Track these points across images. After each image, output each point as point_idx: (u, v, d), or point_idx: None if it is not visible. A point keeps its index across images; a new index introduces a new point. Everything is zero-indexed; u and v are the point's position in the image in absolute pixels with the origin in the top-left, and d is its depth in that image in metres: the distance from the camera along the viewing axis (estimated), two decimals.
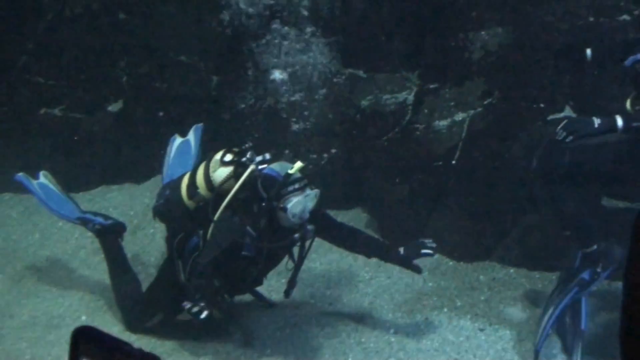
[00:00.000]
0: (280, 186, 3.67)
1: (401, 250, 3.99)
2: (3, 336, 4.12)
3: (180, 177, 4.00)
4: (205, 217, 3.83)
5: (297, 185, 3.69)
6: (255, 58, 5.06)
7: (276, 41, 5.00)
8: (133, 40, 5.35)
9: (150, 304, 4.13)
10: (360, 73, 5.06)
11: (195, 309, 3.63)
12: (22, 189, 5.39)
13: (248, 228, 3.72)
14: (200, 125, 4.66)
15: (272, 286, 4.51)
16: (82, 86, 5.39)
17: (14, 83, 5.34)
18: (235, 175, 3.77)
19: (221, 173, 3.81)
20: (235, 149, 3.87)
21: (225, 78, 5.33)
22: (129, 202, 5.32)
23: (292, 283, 4.04)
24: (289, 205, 3.64)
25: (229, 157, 3.82)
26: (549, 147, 3.94)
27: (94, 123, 5.45)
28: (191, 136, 4.61)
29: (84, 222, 4.43)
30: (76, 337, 1.06)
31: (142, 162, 5.52)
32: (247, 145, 3.88)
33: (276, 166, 3.79)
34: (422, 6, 4.79)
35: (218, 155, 3.87)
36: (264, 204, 3.69)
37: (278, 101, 5.07)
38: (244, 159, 3.78)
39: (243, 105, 5.20)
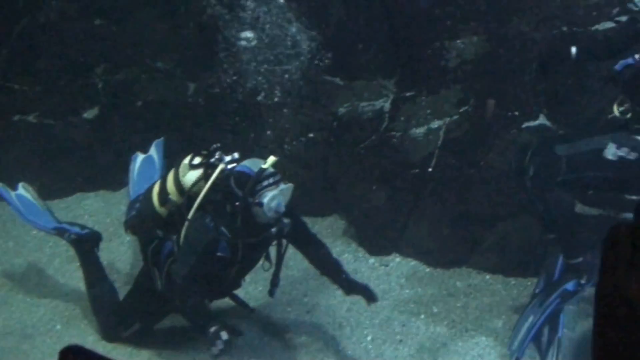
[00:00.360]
0: (255, 182, 3.66)
1: (343, 275, 4.04)
2: None
3: (150, 188, 4.00)
4: (179, 221, 3.83)
5: (271, 180, 3.69)
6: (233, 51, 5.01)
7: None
8: (109, 47, 5.32)
9: (127, 313, 4.10)
10: (337, 80, 5.08)
11: (214, 337, 3.61)
12: None
13: (222, 228, 3.70)
14: (161, 139, 4.71)
15: (250, 293, 4.51)
16: (57, 92, 5.34)
17: None
18: (205, 177, 3.78)
19: (191, 176, 3.82)
20: (204, 152, 3.88)
21: (201, 84, 5.32)
22: (104, 210, 5.28)
23: (274, 282, 4.03)
24: (265, 200, 3.64)
25: (197, 160, 3.84)
26: (543, 153, 3.97)
27: (69, 130, 5.40)
28: (153, 151, 4.64)
29: (60, 232, 4.39)
30: (64, 356, 1.04)
31: (118, 169, 5.46)
32: (215, 146, 3.88)
33: (247, 163, 3.79)
34: (399, 15, 4.82)
35: (186, 160, 3.88)
36: (238, 203, 3.68)
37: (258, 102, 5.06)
38: (212, 160, 3.79)
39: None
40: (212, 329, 3.64)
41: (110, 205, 5.29)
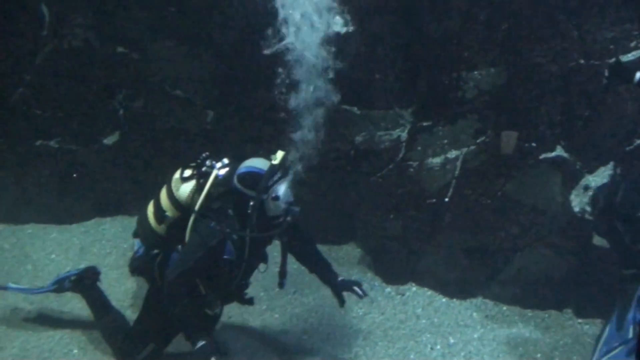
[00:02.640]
0: (267, 179, 3.71)
1: (339, 278, 4.09)
2: None
3: (144, 212, 4.02)
4: (181, 232, 3.85)
5: (279, 173, 3.76)
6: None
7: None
8: (130, 74, 5.39)
9: (140, 335, 4.11)
10: (355, 110, 5.12)
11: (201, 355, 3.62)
12: (14, 220, 5.43)
13: (227, 230, 3.73)
14: None
15: (266, 320, 4.51)
16: (79, 118, 5.42)
17: (11, 114, 5.35)
18: (198, 187, 3.83)
19: (185, 189, 3.87)
20: (192, 164, 3.93)
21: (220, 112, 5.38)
22: (122, 235, 5.31)
23: (283, 273, 4.03)
24: (280, 193, 3.72)
25: (188, 173, 3.89)
26: (629, 188, 3.99)
27: (89, 155, 5.46)
28: None
29: (60, 282, 4.42)
30: None
31: (136, 195, 5.53)
32: (204, 155, 3.93)
33: (250, 163, 3.83)
34: (416, 46, 4.87)
35: (177, 174, 3.93)
36: (252, 203, 3.72)
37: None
38: (203, 169, 3.84)
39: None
40: (200, 344, 3.62)
41: (128, 231, 5.29)
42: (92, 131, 5.46)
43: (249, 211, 3.73)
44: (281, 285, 4.04)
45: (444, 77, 4.78)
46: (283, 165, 3.78)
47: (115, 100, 5.43)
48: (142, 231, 4.01)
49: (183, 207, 3.88)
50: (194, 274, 3.76)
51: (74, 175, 5.41)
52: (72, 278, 4.38)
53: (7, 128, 5.37)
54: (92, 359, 4.21)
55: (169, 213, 3.90)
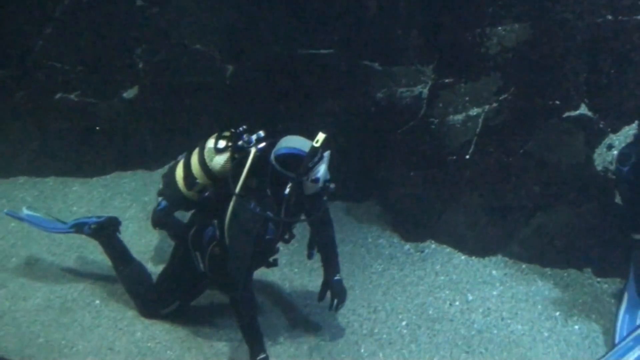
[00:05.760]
0: (308, 161, 3.68)
1: (336, 277, 4.05)
2: (16, 319, 4.15)
3: (171, 174, 4.00)
4: (214, 204, 3.85)
5: (318, 155, 3.71)
6: None
7: None
8: (150, 28, 5.35)
9: (166, 292, 4.16)
10: (376, 66, 5.07)
11: None
12: (35, 173, 5.47)
13: (268, 213, 3.73)
14: None
15: (285, 274, 4.56)
16: (99, 72, 5.40)
17: (31, 67, 5.34)
18: (232, 159, 3.80)
19: (219, 160, 3.85)
20: (226, 134, 3.90)
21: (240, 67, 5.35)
22: (142, 189, 5.35)
23: (312, 244, 4.04)
24: (320, 175, 3.69)
25: (222, 144, 3.86)
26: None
27: (109, 109, 5.46)
28: None
29: (79, 227, 4.41)
30: None
31: (156, 149, 5.54)
32: (241, 128, 3.87)
33: (290, 142, 3.77)
34: (439, 1, 4.79)
35: (210, 143, 3.90)
36: (290, 184, 3.69)
37: None
38: (240, 143, 3.81)
39: None
40: (261, 357, 3.74)
41: (148, 185, 5.35)
42: (112, 85, 5.44)
43: (287, 191, 3.70)
44: (310, 256, 4.05)
45: (467, 32, 4.71)
46: (324, 148, 3.73)
47: (134, 54, 5.41)
48: (170, 193, 4.00)
49: (215, 177, 3.88)
50: (248, 263, 3.78)
51: (97, 128, 5.42)
52: (92, 226, 4.36)
53: (28, 81, 5.36)
54: (114, 310, 4.27)
55: (199, 180, 3.89)
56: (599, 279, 4.60)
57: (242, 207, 3.71)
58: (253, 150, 3.76)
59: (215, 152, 3.86)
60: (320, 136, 3.71)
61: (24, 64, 5.33)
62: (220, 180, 3.85)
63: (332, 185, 3.78)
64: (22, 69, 5.34)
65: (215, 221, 3.91)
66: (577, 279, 4.59)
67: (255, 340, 3.79)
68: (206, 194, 3.91)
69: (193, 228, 4.00)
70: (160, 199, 4.07)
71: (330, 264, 4.08)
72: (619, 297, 4.19)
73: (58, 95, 5.41)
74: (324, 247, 4.09)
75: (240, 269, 3.74)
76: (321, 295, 4.08)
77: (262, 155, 3.76)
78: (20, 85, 5.36)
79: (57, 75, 5.36)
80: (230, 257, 3.78)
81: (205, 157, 3.88)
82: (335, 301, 4.01)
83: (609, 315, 4.26)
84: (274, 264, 4.07)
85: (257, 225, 3.73)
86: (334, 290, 4.03)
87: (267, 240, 3.84)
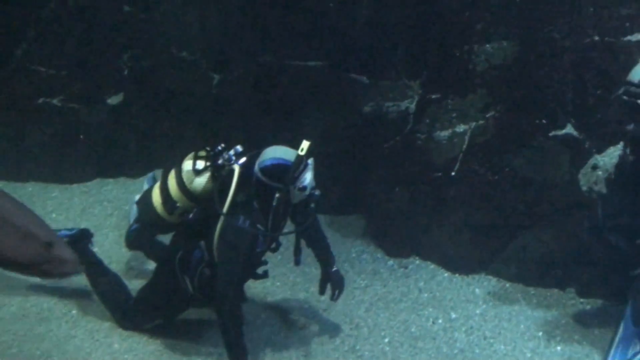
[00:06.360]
0: (294, 170, 3.66)
1: (334, 267, 4.11)
2: None
3: (146, 198, 3.94)
4: (203, 225, 3.80)
5: (303, 162, 3.70)
6: None
7: None
8: (136, 34, 5.31)
9: (150, 310, 4.08)
10: (364, 79, 5.06)
11: None
12: (14, 178, 5.38)
13: (259, 227, 3.71)
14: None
15: (267, 288, 4.51)
16: (83, 77, 5.34)
17: (13, 71, 5.27)
18: (214, 179, 3.76)
19: (200, 182, 3.80)
20: (202, 153, 3.85)
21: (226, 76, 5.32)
22: (124, 197, 5.28)
23: (297, 251, 4.02)
24: (307, 183, 3.68)
25: (200, 164, 3.82)
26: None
27: (92, 115, 5.39)
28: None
29: None
30: None
31: (139, 156, 5.49)
32: (219, 147, 3.83)
33: (274, 153, 3.73)
34: (428, 16, 4.79)
35: (188, 166, 3.84)
36: (277, 195, 3.68)
37: None
38: (220, 162, 3.77)
39: None
40: None
41: (130, 193, 5.28)
42: (96, 91, 5.38)
43: (274, 203, 3.69)
44: (297, 262, 4.03)
45: (455, 49, 4.71)
46: (308, 155, 3.72)
47: (120, 60, 5.35)
48: (149, 219, 3.95)
49: (197, 199, 3.82)
50: (238, 279, 3.80)
51: (81, 136, 5.34)
52: (64, 239, 4.30)
53: (10, 84, 5.29)
54: (91, 320, 4.20)
55: (180, 204, 3.85)
56: (582, 300, 4.59)
57: (231, 225, 3.68)
58: (237, 167, 3.72)
59: (194, 174, 3.81)
60: (305, 144, 3.70)
61: (5, 67, 5.25)
62: (203, 201, 3.81)
63: (317, 192, 3.78)
64: (4, 72, 5.26)
65: (202, 242, 3.87)
66: (560, 299, 4.59)
67: (239, 357, 3.74)
68: (190, 216, 3.86)
69: (179, 253, 3.93)
70: (132, 216, 4.04)
71: (325, 258, 4.11)
72: (614, 325, 4.15)
73: (40, 100, 5.34)
74: (315, 242, 4.12)
75: (231, 284, 3.71)
76: (322, 290, 4.11)
77: (246, 171, 3.73)
78: (1, 88, 5.28)
79: (40, 80, 5.28)
80: (221, 274, 3.73)
81: (185, 179, 3.82)
82: (337, 292, 4.07)
83: (590, 337, 4.25)
84: (264, 275, 4.03)
85: (247, 241, 3.70)
86: (333, 282, 4.08)
87: (258, 253, 3.83)
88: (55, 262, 2.68)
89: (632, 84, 3.77)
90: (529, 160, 4.60)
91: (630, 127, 3.84)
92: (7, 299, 4.31)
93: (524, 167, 4.61)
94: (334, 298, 4.10)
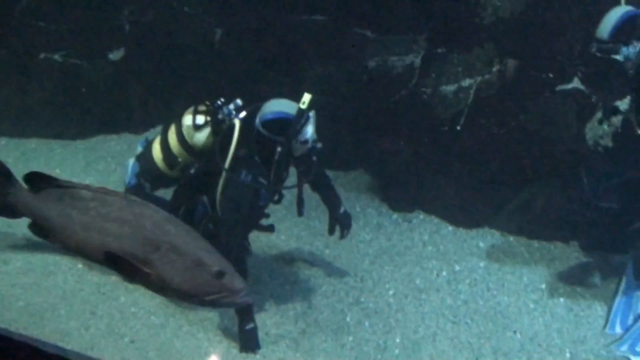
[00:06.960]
0: (296, 124, 3.62)
1: (342, 209, 4.11)
2: None
3: (147, 153, 3.92)
4: (205, 180, 3.79)
5: (305, 115, 3.65)
6: None
7: None
8: None
9: None
10: (368, 34, 4.99)
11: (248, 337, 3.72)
12: (17, 134, 5.35)
13: (261, 180, 3.68)
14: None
15: (272, 242, 4.51)
16: (84, 32, 5.27)
17: (15, 26, 5.20)
18: (215, 133, 3.73)
19: (200, 137, 3.80)
20: (202, 108, 3.82)
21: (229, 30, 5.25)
22: (127, 152, 5.25)
23: (300, 202, 3.99)
24: (308, 136, 3.65)
25: (200, 119, 3.79)
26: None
27: (94, 70, 5.34)
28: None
29: None
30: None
31: (142, 112, 5.45)
32: (219, 102, 3.79)
33: (275, 107, 3.68)
34: None
35: (188, 121, 3.82)
36: (279, 149, 3.64)
37: None
38: (220, 116, 3.74)
39: None
40: (249, 326, 3.70)
41: (133, 148, 5.25)
42: (98, 46, 5.32)
43: (276, 157, 3.65)
44: (300, 213, 4.01)
45: (461, 2, 4.64)
46: (309, 108, 3.67)
47: (122, 15, 5.28)
48: (149, 174, 3.94)
49: (198, 154, 3.81)
50: (242, 232, 3.80)
51: (83, 90, 5.30)
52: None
53: (11, 40, 5.23)
54: (97, 274, 4.21)
55: (181, 159, 3.84)
56: (585, 253, 4.60)
57: (234, 180, 3.66)
58: (237, 122, 3.69)
59: (194, 129, 3.80)
60: (306, 97, 3.65)
61: (6, 23, 5.18)
62: (203, 156, 3.80)
63: (319, 145, 3.74)
64: (4, 27, 5.20)
65: (205, 197, 3.85)
66: (564, 252, 4.60)
67: (244, 309, 3.76)
68: (191, 171, 3.85)
69: (182, 208, 3.92)
70: (130, 172, 4.02)
71: (333, 200, 4.10)
72: (617, 280, 4.19)
73: (42, 55, 5.28)
74: (322, 188, 4.10)
75: (236, 238, 3.71)
76: (331, 230, 4.11)
77: (247, 125, 3.69)
78: (2, 43, 5.23)
79: (41, 35, 5.22)
80: (225, 228, 3.73)
81: (185, 135, 3.81)
82: (345, 231, 4.09)
83: (593, 289, 4.28)
84: (270, 228, 4.02)
85: (249, 195, 3.68)
86: (341, 222, 4.08)
87: (261, 206, 3.81)
88: (225, 292, 2.53)
89: (602, 41, 3.74)
90: (535, 114, 4.56)
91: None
92: (13, 254, 4.32)
93: (530, 122, 4.58)
94: (342, 238, 4.09)
